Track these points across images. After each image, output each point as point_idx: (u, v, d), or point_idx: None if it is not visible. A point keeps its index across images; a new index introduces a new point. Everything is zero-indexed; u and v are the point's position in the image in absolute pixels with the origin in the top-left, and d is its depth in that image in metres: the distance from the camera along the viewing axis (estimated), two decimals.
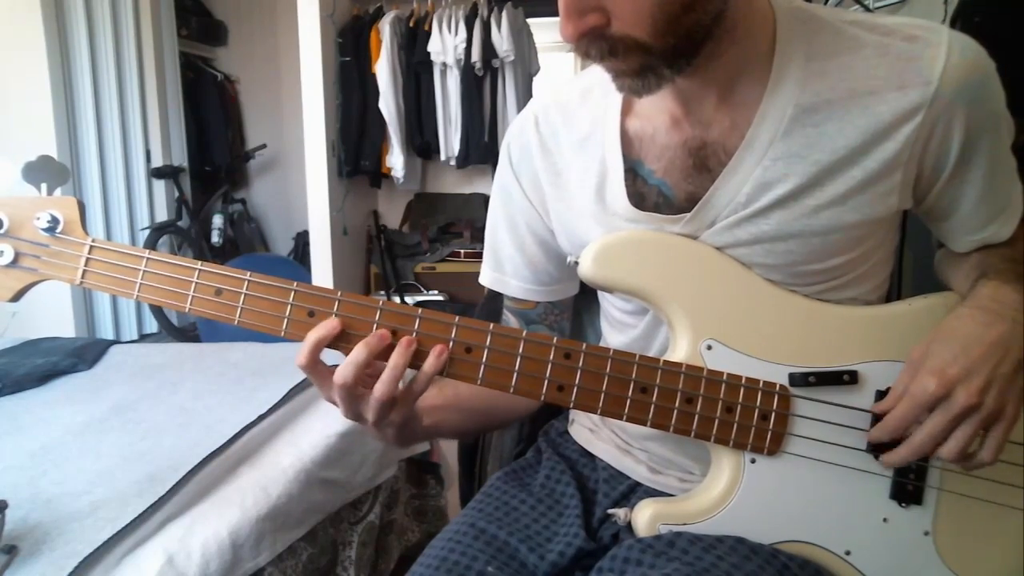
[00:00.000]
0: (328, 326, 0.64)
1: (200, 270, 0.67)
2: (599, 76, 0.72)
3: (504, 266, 0.86)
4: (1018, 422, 0.64)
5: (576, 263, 0.71)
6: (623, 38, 0.59)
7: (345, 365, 0.64)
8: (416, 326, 0.66)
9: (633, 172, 0.72)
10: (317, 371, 0.66)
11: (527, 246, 0.83)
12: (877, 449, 0.68)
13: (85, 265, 0.68)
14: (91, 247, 0.68)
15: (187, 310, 0.67)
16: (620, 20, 0.59)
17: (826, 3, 1.93)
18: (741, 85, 0.68)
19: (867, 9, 1.98)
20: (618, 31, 0.59)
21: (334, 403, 0.68)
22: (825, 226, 0.67)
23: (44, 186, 0.69)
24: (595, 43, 0.60)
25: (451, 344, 0.66)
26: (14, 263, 0.69)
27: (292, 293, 0.66)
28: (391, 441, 0.72)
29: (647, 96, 0.64)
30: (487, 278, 0.88)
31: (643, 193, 0.72)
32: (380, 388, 0.64)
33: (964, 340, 0.63)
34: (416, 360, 0.66)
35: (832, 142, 0.66)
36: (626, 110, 0.73)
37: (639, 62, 0.61)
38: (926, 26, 0.67)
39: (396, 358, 0.65)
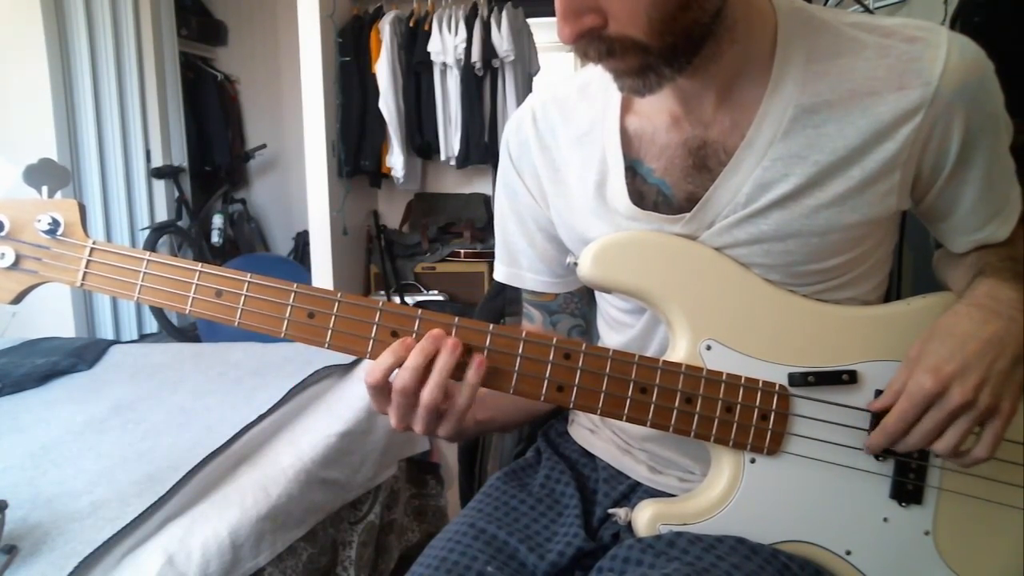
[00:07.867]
0: (407, 348, 0.64)
1: (200, 272, 0.67)
2: (598, 72, 0.72)
3: (519, 261, 0.86)
4: (1016, 418, 0.64)
5: (575, 264, 0.71)
6: (621, 38, 0.59)
7: (403, 370, 0.64)
8: (416, 327, 0.66)
9: (632, 171, 0.72)
10: (382, 390, 0.66)
11: (538, 241, 0.83)
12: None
13: (86, 267, 0.68)
14: (92, 249, 0.68)
15: (188, 312, 0.67)
16: (617, 20, 0.59)
17: (826, 3, 1.93)
18: (741, 85, 0.68)
19: (867, 9, 1.98)
20: (615, 31, 0.59)
21: (386, 413, 0.68)
22: (824, 226, 0.67)
23: (45, 189, 0.69)
24: (593, 44, 0.60)
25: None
26: (15, 265, 0.69)
27: (292, 294, 0.66)
28: (443, 438, 0.72)
29: (649, 95, 0.64)
30: (502, 274, 0.88)
31: (642, 192, 0.72)
32: (427, 394, 0.64)
33: (960, 337, 0.63)
34: (457, 372, 0.66)
35: (832, 143, 0.66)
36: (626, 108, 0.73)
37: (638, 62, 0.61)
38: (926, 27, 0.67)
39: (442, 360, 0.65)
